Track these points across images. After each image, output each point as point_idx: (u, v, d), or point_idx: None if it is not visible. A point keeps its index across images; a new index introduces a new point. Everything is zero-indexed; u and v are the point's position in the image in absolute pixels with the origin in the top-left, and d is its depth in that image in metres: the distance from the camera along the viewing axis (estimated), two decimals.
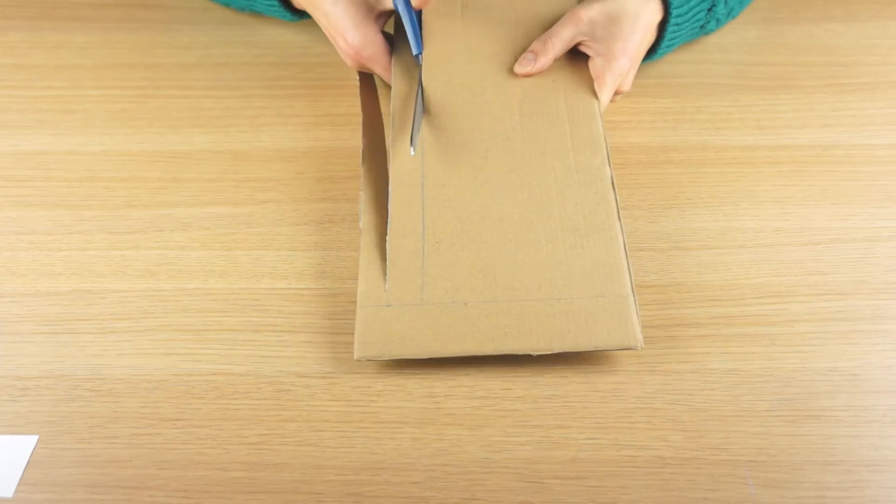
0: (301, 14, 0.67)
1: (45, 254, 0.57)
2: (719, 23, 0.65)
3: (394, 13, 0.60)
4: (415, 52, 0.59)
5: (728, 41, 0.70)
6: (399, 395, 0.49)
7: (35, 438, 0.48)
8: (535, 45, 0.57)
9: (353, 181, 0.60)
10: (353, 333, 0.52)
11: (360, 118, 0.60)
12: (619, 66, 0.56)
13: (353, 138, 0.61)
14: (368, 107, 0.61)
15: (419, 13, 0.60)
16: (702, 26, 0.63)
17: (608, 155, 0.54)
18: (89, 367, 0.51)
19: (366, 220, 0.54)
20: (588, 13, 0.57)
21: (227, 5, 0.68)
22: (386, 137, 0.59)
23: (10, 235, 0.58)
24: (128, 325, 0.53)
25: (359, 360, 0.48)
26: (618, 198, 0.52)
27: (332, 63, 0.68)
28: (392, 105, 0.58)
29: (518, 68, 0.57)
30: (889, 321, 0.51)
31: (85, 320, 0.53)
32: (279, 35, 0.72)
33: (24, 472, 0.47)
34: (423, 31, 0.60)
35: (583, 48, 0.58)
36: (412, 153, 0.53)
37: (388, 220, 0.52)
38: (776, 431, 0.47)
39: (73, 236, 0.58)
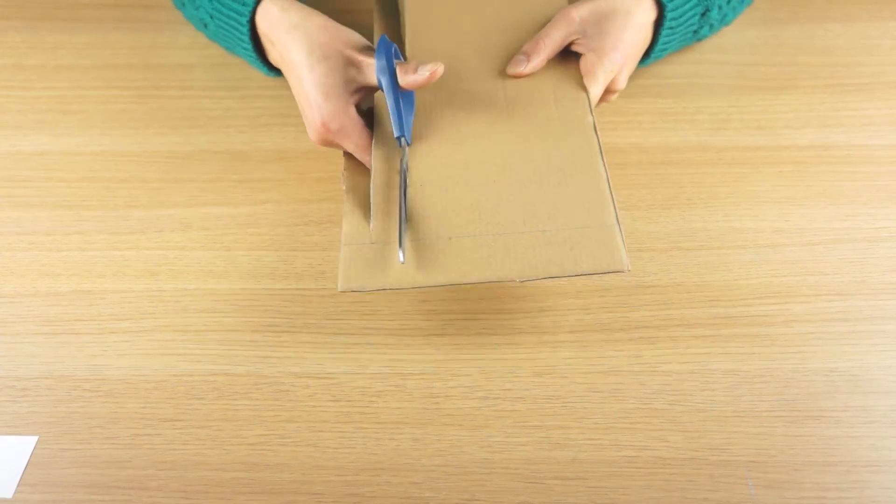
0: (279, 71, 0.62)
1: (44, 254, 0.57)
2: (713, 28, 0.65)
3: (377, 90, 0.54)
4: (396, 133, 0.52)
5: (728, 41, 0.70)
6: (399, 396, 0.49)
7: (35, 439, 0.48)
8: (527, 46, 0.57)
9: None
10: (353, 333, 0.52)
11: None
12: (609, 60, 0.56)
13: None
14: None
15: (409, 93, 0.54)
16: (695, 31, 0.63)
17: (591, 108, 0.54)
18: (89, 368, 0.51)
19: (348, 185, 0.53)
20: (579, 12, 0.57)
21: (215, 41, 0.66)
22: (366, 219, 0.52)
23: (10, 235, 0.58)
24: (127, 326, 0.53)
25: (343, 292, 0.47)
26: (601, 142, 0.52)
27: None
28: (372, 188, 0.52)
29: (510, 69, 0.56)
30: (889, 321, 0.51)
31: (85, 321, 0.53)
32: None
33: (23, 473, 0.47)
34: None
35: (575, 47, 0.57)
36: (401, 260, 0.47)
37: (371, 171, 0.52)
38: (776, 432, 0.47)
39: (72, 237, 0.58)
